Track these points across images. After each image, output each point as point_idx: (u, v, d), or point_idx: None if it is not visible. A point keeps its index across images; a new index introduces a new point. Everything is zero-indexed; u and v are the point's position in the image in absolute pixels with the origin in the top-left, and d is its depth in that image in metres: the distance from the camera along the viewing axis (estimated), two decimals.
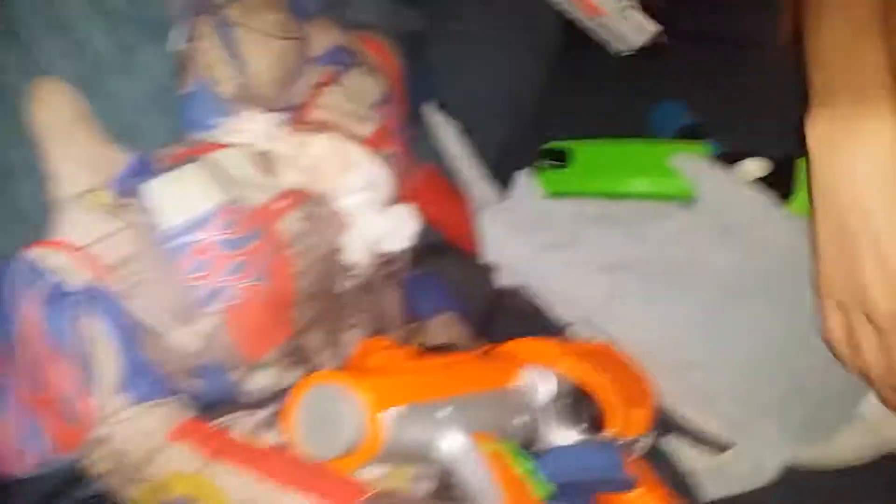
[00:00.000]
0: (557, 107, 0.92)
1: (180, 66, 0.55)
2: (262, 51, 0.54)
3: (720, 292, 0.60)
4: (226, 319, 0.51)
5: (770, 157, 0.66)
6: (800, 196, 0.64)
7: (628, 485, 0.49)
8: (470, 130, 0.83)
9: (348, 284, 0.58)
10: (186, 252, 0.50)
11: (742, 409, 0.59)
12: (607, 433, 0.50)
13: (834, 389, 0.59)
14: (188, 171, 0.51)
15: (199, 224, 0.50)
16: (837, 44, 0.55)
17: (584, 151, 0.71)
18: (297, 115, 0.57)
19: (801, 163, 0.65)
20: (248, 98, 0.54)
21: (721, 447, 0.59)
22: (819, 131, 0.53)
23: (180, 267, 0.50)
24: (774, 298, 0.60)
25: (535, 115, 0.92)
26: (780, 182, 0.65)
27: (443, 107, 0.81)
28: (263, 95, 0.55)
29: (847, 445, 0.60)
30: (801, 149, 0.55)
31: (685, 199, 0.66)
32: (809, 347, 0.58)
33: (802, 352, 0.58)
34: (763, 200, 0.63)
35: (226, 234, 0.50)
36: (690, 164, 0.65)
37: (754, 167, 0.64)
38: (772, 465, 0.58)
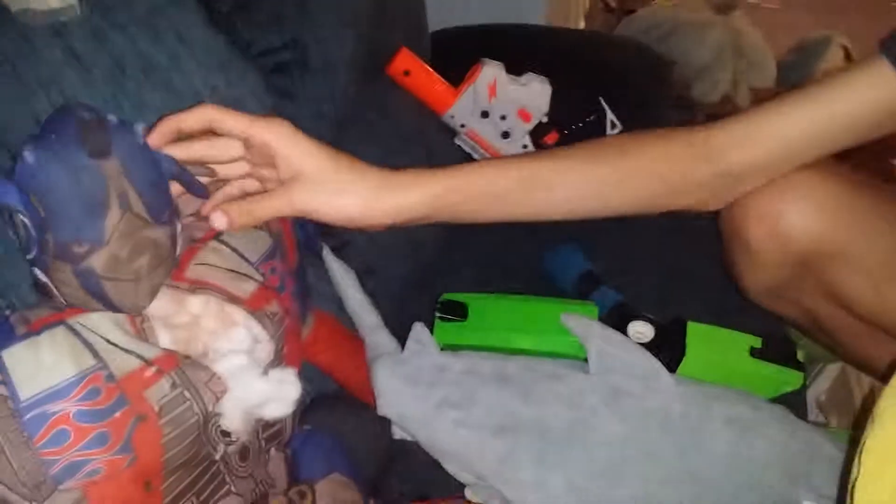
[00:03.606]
0: (455, 246, 0.91)
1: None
2: (131, 293, 0.51)
3: (610, 459, 0.59)
4: (86, 495, 0.47)
5: (656, 321, 0.66)
6: (689, 360, 0.64)
7: None
8: (372, 271, 0.81)
9: (225, 450, 0.54)
10: (43, 424, 0.46)
11: None
12: None
13: None
14: (47, 337, 0.48)
15: (57, 394, 0.47)
16: None
17: (479, 305, 0.71)
18: (174, 274, 0.55)
19: (691, 326, 0.65)
20: None
21: None
22: None
23: (36, 440, 0.46)
24: (662, 468, 0.59)
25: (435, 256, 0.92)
26: (670, 345, 0.65)
27: (344, 247, 0.79)
28: None
29: None
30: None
31: (577, 358, 0.65)
32: None
33: None
34: (652, 366, 0.63)
35: (87, 404, 0.47)
36: (579, 324, 0.65)
37: (644, 329, 0.64)
38: None
